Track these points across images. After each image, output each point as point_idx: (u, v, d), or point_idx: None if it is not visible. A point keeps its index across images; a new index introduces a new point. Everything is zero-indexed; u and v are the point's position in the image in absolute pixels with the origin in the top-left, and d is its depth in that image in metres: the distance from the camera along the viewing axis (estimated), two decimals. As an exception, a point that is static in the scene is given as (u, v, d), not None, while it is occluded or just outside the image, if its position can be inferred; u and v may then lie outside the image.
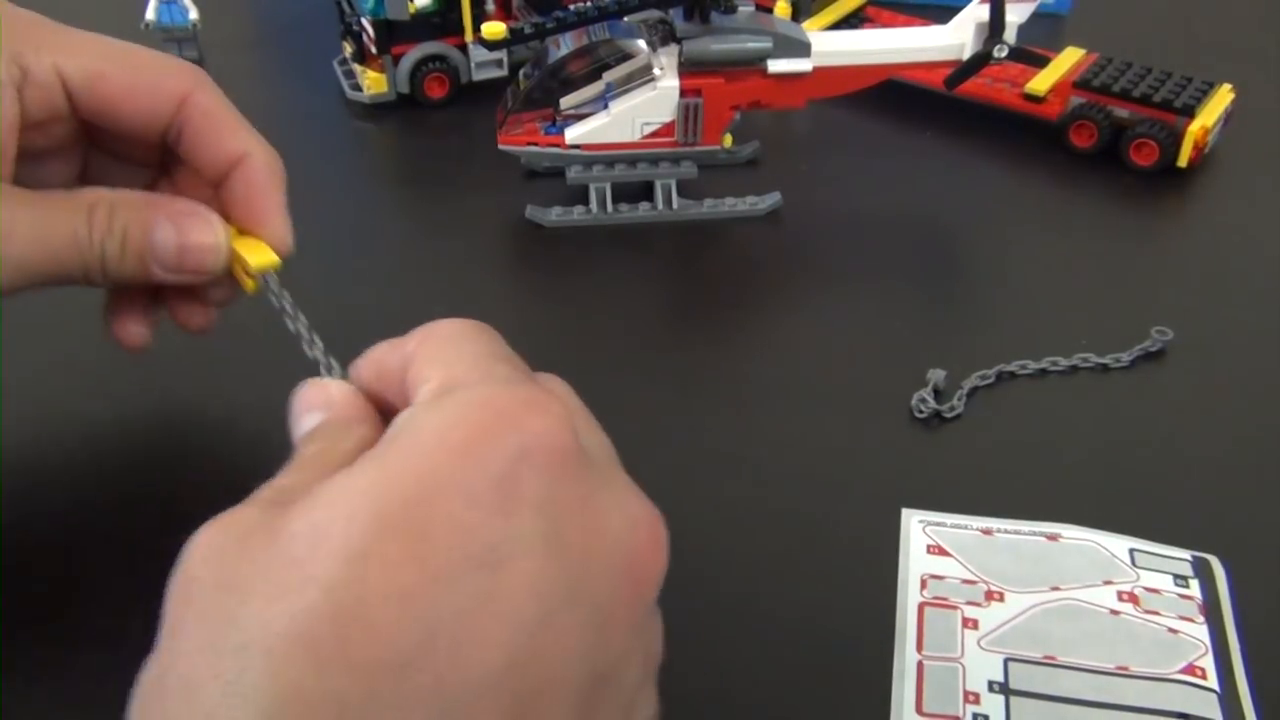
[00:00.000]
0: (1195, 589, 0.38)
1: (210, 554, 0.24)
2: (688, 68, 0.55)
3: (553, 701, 0.23)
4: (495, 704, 0.22)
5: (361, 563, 0.22)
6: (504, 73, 0.67)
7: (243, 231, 0.37)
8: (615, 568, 0.25)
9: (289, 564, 0.22)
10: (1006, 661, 0.35)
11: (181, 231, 0.36)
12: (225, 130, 0.37)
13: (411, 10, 0.63)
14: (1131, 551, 0.39)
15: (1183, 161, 0.60)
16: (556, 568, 0.23)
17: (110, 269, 0.35)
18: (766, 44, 0.54)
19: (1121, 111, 0.61)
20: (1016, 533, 0.40)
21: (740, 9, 0.55)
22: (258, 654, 0.21)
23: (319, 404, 0.30)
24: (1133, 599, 0.37)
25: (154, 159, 0.39)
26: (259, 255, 0.38)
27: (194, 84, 0.37)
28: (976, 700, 0.34)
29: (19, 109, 0.34)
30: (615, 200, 0.57)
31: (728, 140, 0.59)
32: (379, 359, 0.30)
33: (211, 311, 0.40)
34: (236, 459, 0.44)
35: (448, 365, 0.27)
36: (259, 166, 0.37)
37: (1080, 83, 0.62)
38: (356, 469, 0.24)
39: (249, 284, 0.38)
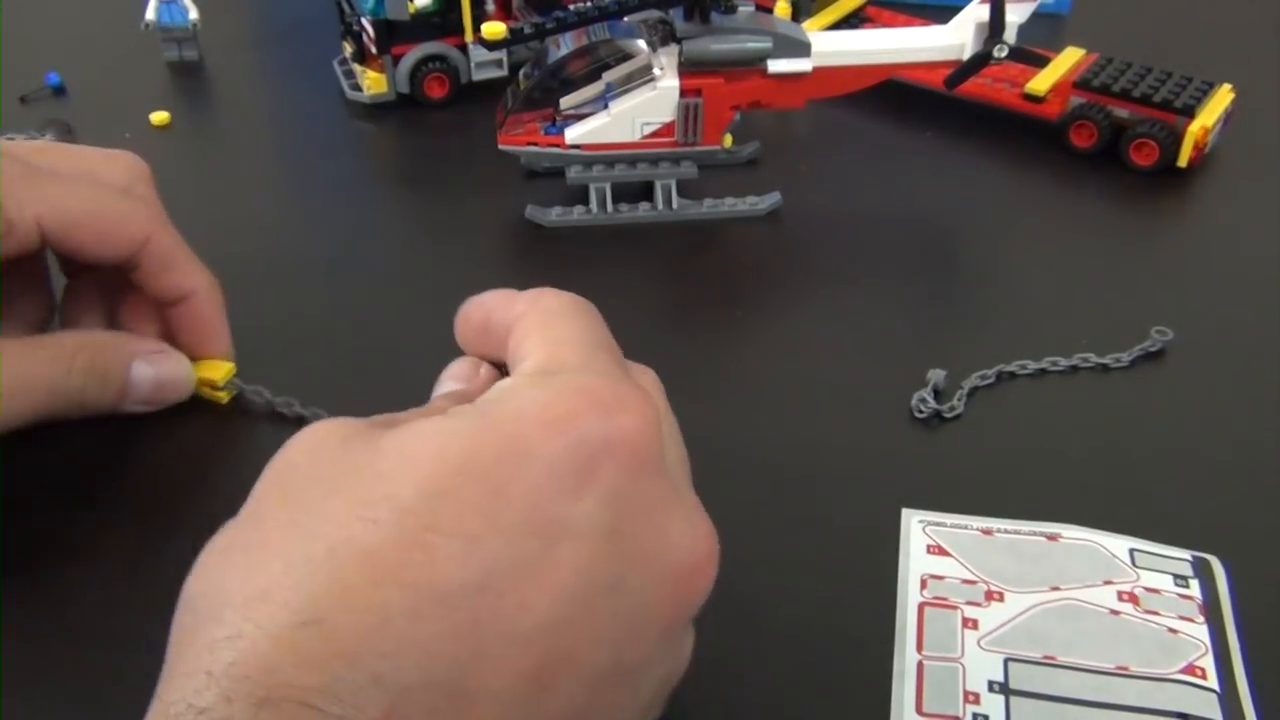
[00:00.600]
0: (1195, 589, 0.38)
1: (312, 447, 0.26)
2: (688, 68, 0.55)
3: (571, 676, 0.25)
4: (518, 661, 0.24)
5: (438, 498, 0.24)
6: (504, 73, 0.67)
7: (193, 357, 0.44)
8: (664, 573, 0.27)
9: (375, 477, 0.25)
10: (1006, 661, 0.35)
11: (158, 369, 0.42)
12: (177, 269, 0.42)
13: (411, 10, 0.63)
14: (1131, 551, 0.39)
15: (1183, 161, 0.60)
16: (608, 556, 0.25)
17: (88, 405, 0.40)
18: (766, 44, 0.54)
19: (1121, 111, 0.61)
20: (1016, 533, 0.40)
21: (740, 9, 0.55)
22: (324, 546, 0.24)
23: (464, 377, 0.33)
24: (1133, 599, 0.37)
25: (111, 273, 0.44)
26: (220, 370, 0.44)
27: (153, 229, 0.41)
28: (976, 700, 0.34)
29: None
30: (615, 200, 0.57)
31: (728, 140, 0.59)
32: (490, 309, 0.32)
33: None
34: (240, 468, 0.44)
35: (553, 344, 0.29)
36: (204, 299, 0.43)
37: (1080, 83, 0.62)
38: (457, 413, 0.26)
39: (221, 396, 0.45)
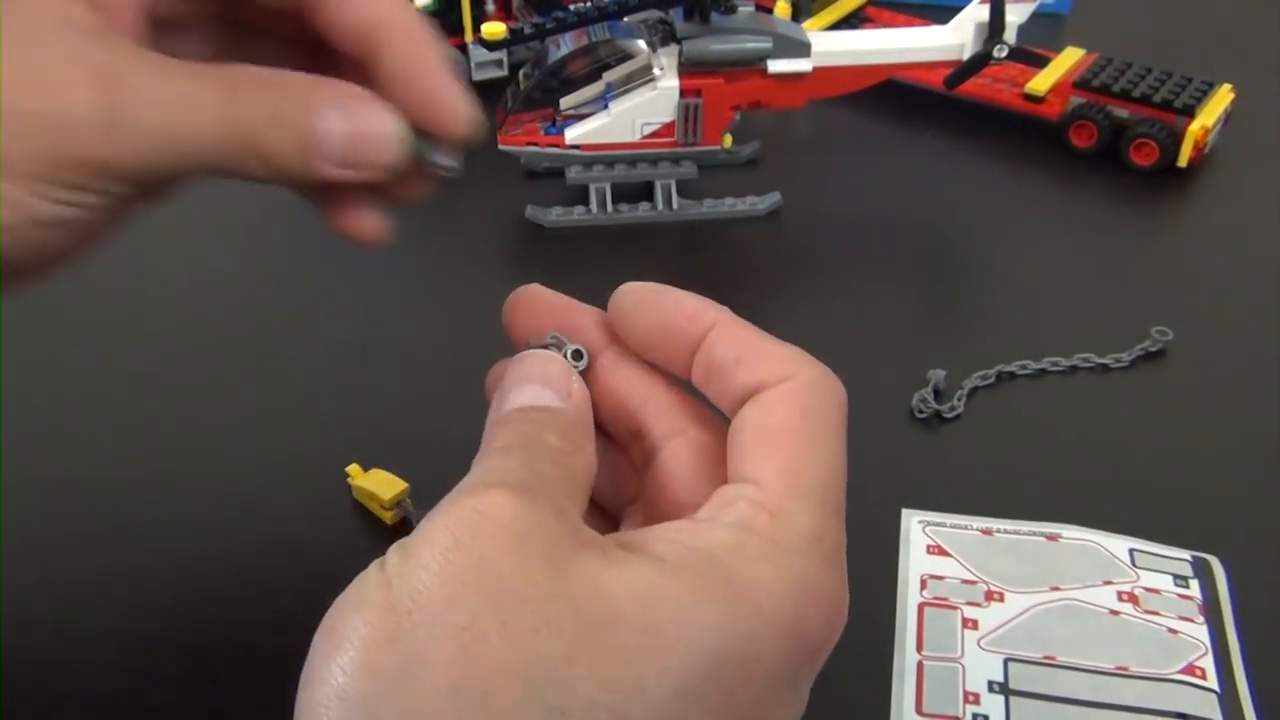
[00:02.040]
0: (1195, 589, 0.38)
1: (515, 549, 0.22)
2: (688, 68, 0.55)
3: None
4: None
5: (687, 702, 0.22)
6: (504, 73, 0.67)
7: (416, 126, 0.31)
8: None
9: (619, 651, 0.22)
10: (1006, 662, 0.35)
11: (352, 117, 0.30)
12: None
13: (411, 10, 0.63)
14: (1131, 552, 0.39)
15: (1183, 161, 0.60)
16: None
17: (271, 159, 0.29)
18: (766, 44, 0.54)
19: (1121, 111, 0.61)
20: (1016, 533, 0.40)
21: (740, 9, 0.55)
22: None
23: (560, 388, 0.28)
24: (1132, 599, 0.37)
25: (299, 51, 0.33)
26: (393, 487, 0.39)
27: None
28: (976, 700, 0.34)
29: None
30: (615, 200, 0.57)
31: (728, 140, 0.59)
32: (726, 340, 0.28)
33: (383, 217, 0.33)
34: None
35: (795, 484, 0.26)
36: (398, 31, 0.30)
37: (1080, 83, 0.62)
38: (695, 594, 0.23)
39: (388, 517, 0.40)
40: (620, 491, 0.31)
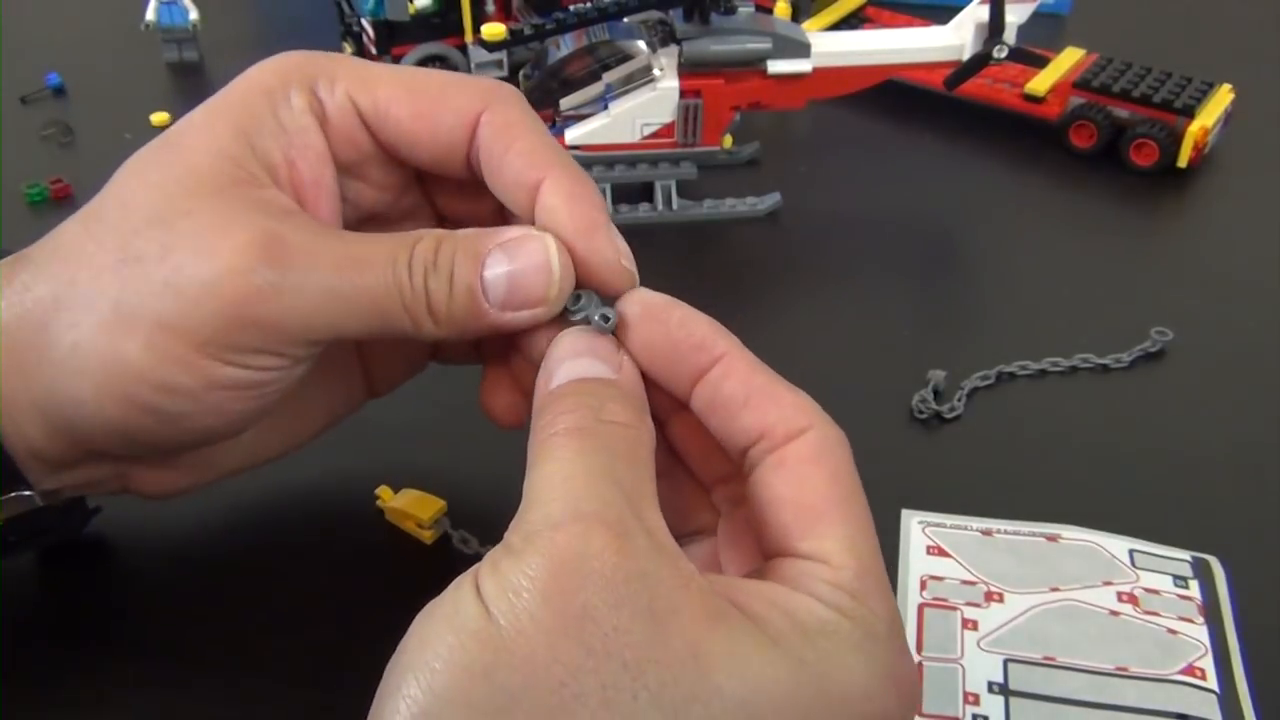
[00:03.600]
0: (1195, 590, 0.38)
1: (608, 586, 0.23)
2: (687, 68, 0.55)
3: None
4: None
5: None
6: (504, 74, 0.67)
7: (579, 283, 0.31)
8: None
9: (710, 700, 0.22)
10: (1006, 662, 0.35)
11: (514, 258, 0.30)
12: (516, 151, 0.31)
13: (411, 11, 0.63)
14: (1131, 552, 0.39)
15: (1183, 162, 0.60)
16: None
17: (436, 308, 0.30)
18: (766, 44, 0.54)
19: (1121, 111, 0.61)
20: (1016, 533, 0.40)
21: (740, 9, 0.55)
22: None
23: (609, 359, 0.28)
24: (1132, 600, 0.37)
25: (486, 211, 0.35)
26: (430, 506, 0.39)
27: (487, 101, 0.31)
28: (976, 701, 0.34)
29: (324, 141, 0.32)
30: (615, 201, 0.57)
31: (728, 141, 0.59)
32: (741, 379, 0.28)
33: (524, 403, 0.33)
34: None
35: (859, 559, 0.26)
36: (560, 185, 0.30)
37: (1080, 83, 0.62)
38: (793, 680, 0.23)
39: (427, 536, 0.39)
40: (691, 520, 0.31)
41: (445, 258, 0.30)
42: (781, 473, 0.27)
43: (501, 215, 0.34)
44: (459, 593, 0.23)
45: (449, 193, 0.35)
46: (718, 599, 0.24)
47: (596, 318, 0.29)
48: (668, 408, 0.30)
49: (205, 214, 0.29)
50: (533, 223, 0.30)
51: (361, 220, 0.34)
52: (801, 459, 0.27)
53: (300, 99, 0.31)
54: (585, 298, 0.30)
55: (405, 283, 0.29)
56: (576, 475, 0.25)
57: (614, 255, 0.30)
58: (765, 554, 0.28)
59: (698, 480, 0.31)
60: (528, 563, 0.23)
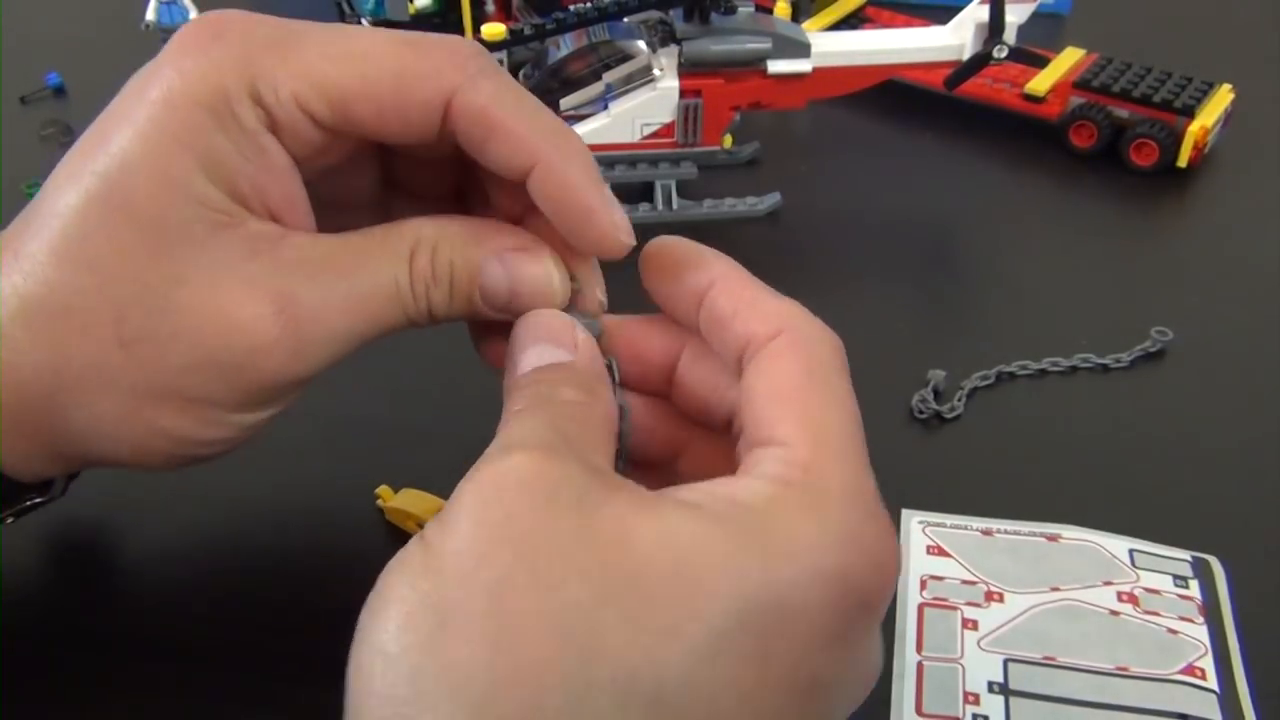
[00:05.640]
0: (1195, 589, 0.38)
1: (540, 499, 0.23)
2: (687, 68, 0.55)
3: None
4: None
5: (721, 648, 0.22)
6: (504, 73, 0.67)
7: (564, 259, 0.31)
8: (858, 692, 0.26)
9: (651, 597, 0.22)
10: (1006, 662, 0.35)
11: (509, 268, 0.30)
12: (499, 136, 0.29)
13: (411, 11, 0.63)
14: (1131, 552, 0.39)
15: (1183, 161, 0.60)
16: (838, 698, 0.25)
17: (436, 314, 0.31)
18: (766, 44, 0.54)
19: (1121, 111, 0.61)
20: (1016, 533, 0.40)
21: (740, 9, 0.55)
22: (607, 674, 0.21)
23: (565, 342, 0.29)
24: (1132, 599, 0.37)
25: (453, 181, 0.34)
26: (429, 506, 0.39)
27: (455, 82, 0.29)
28: (976, 701, 0.34)
29: (284, 153, 0.29)
30: (615, 201, 0.57)
31: (728, 141, 0.59)
32: (732, 303, 0.28)
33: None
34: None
35: (817, 435, 0.26)
36: (553, 173, 0.29)
37: (1080, 83, 0.62)
38: (720, 520, 0.23)
39: None
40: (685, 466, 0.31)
41: (443, 269, 0.30)
42: (755, 366, 0.27)
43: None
44: (405, 548, 0.24)
45: (410, 161, 0.33)
46: (650, 494, 0.24)
47: (583, 324, 0.30)
48: (665, 371, 0.31)
49: (200, 281, 0.28)
50: (517, 190, 0.30)
51: (314, 179, 0.31)
52: (774, 354, 0.27)
53: (248, 113, 0.28)
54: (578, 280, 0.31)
55: (410, 302, 0.30)
56: (514, 431, 0.26)
57: (612, 237, 0.30)
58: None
59: (722, 438, 0.31)
60: (458, 498, 0.23)
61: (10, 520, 0.33)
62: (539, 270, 0.30)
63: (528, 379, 0.28)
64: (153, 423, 0.29)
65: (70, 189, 0.28)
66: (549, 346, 0.29)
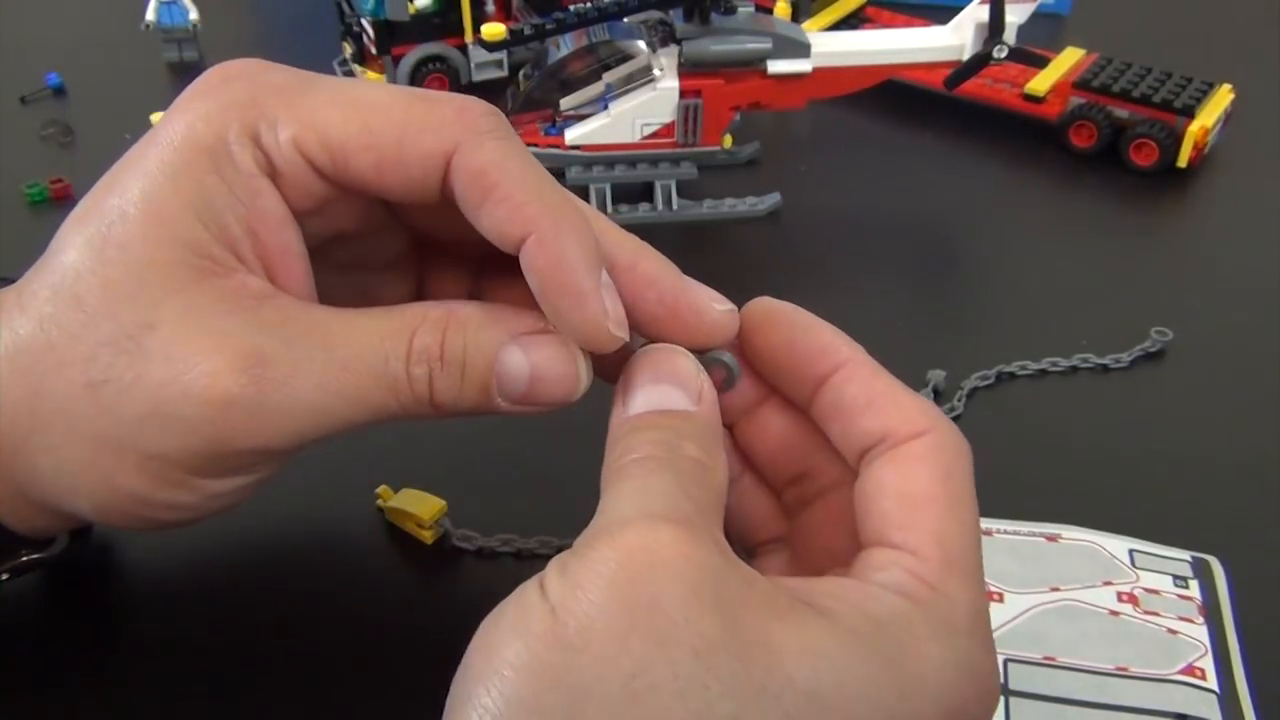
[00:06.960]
0: (1195, 590, 0.38)
1: (685, 574, 0.22)
2: (687, 68, 0.55)
3: None
4: None
5: None
6: (504, 73, 0.67)
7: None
8: None
9: (786, 715, 0.22)
10: (1006, 662, 0.35)
11: (531, 356, 0.28)
12: (495, 199, 0.27)
13: (411, 11, 0.63)
14: (1131, 552, 0.39)
15: (1183, 161, 0.60)
16: None
17: (441, 403, 0.28)
18: (766, 44, 0.54)
19: (1121, 111, 0.61)
20: (1016, 533, 0.40)
21: (740, 9, 0.55)
22: None
23: (691, 388, 0.27)
24: (1132, 599, 0.37)
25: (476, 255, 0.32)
26: (431, 506, 0.39)
27: (455, 138, 0.27)
28: (976, 701, 0.34)
29: (280, 200, 0.28)
30: (615, 201, 0.57)
31: (728, 141, 0.59)
32: (854, 380, 0.28)
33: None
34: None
35: (946, 552, 0.25)
36: (545, 244, 0.27)
37: (1080, 83, 0.62)
38: (866, 665, 0.23)
39: (426, 536, 0.39)
40: (761, 530, 0.31)
41: (454, 351, 0.28)
42: (892, 464, 0.27)
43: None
44: (523, 596, 0.23)
45: (422, 212, 0.31)
46: (785, 594, 0.24)
47: (717, 364, 0.28)
48: (736, 410, 0.30)
49: (171, 327, 0.27)
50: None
51: (327, 240, 0.31)
52: (915, 454, 0.27)
53: (245, 155, 0.28)
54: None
55: (402, 384, 0.28)
56: (650, 489, 0.24)
57: (601, 327, 0.27)
58: (862, 544, 0.27)
59: (767, 485, 0.31)
60: (593, 558, 0.22)
61: (7, 578, 0.33)
62: (564, 355, 0.28)
63: (648, 420, 0.27)
64: (111, 477, 0.28)
65: (77, 231, 0.28)
66: (672, 389, 0.27)
